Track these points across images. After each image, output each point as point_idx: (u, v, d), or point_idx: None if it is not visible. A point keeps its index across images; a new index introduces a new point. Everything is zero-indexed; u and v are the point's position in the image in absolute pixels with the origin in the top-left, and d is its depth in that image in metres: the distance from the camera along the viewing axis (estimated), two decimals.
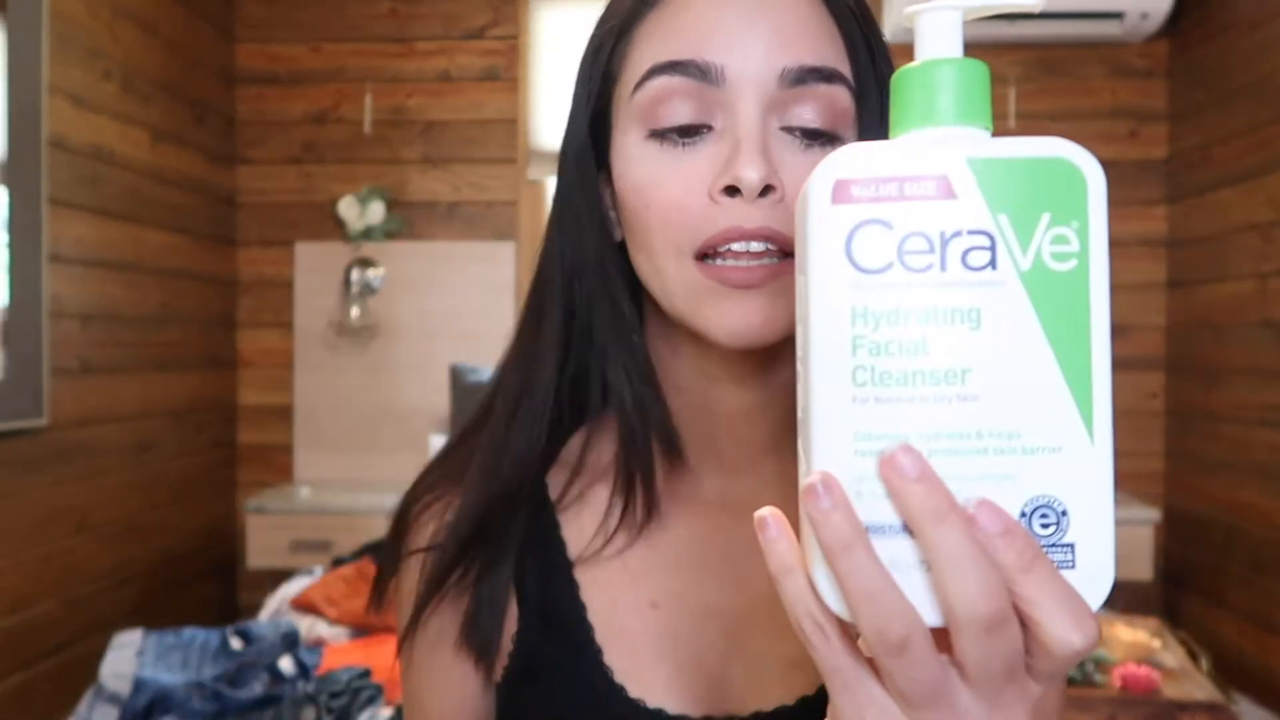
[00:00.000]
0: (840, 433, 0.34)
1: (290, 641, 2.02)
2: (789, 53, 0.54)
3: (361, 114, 3.24)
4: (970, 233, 0.34)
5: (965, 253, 0.34)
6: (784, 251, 0.54)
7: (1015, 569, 0.33)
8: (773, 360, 0.61)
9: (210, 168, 3.11)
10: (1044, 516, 0.34)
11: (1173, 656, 2.03)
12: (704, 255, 0.55)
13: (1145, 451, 3.11)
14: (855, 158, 0.35)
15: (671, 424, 0.63)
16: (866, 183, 0.34)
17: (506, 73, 3.25)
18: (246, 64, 3.28)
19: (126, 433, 2.63)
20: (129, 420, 2.65)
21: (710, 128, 0.55)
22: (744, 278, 0.54)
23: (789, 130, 0.55)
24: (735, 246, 0.54)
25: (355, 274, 3.19)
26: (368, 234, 3.21)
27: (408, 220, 3.25)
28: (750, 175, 0.52)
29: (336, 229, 3.25)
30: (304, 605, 2.37)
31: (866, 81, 0.57)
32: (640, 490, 0.63)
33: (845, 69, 0.56)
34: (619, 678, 0.61)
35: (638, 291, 0.63)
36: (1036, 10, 0.38)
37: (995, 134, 0.36)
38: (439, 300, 3.24)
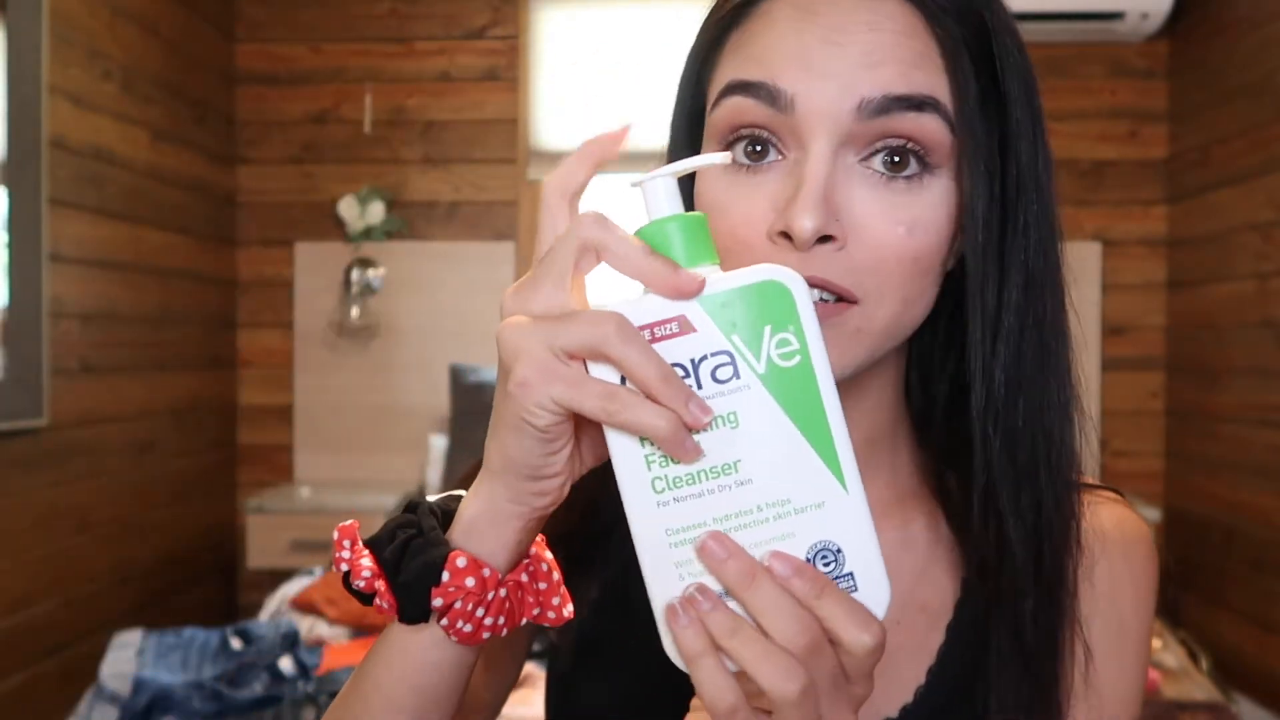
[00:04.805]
0: (653, 531, 0.43)
1: (290, 641, 2.02)
2: (873, 80, 0.50)
3: (361, 114, 3.24)
4: (713, 354, 0.42)
5: (714, 370, 0.43)
6: (840, 297, 0.51)
7: (810, 598, 0.42)
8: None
9: (210, 168, 3.11)
10: (824, 558, 0.43)
11: (1173, 656, 2.03)
12: None
13: (1145, 451, 3.11)
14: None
15: None
16: None
17: (506, 73, 3.25)
18: (246, 64, 3.28)
19: (126, 433, 2.63)
20: (129, 420, 2.65)
21: (783, 156, 0.52)
22: None
23: (869, 165, 0.51)
24: None
25: (355, 274, 3.19)
26: (368, 234, 3.21)
27: (408, 220, 3.25)
28: (803, 225, 0.49)
29: (336, 229, 3.25)
30: (304, 605, 2.37)
31: (970, 111, 0.51)
32: None
33: (944, 96, 0.51)
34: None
35: None
36: (725, 163, 0.46)
37: None
38: (439, 300, 3.24)
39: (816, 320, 0.43)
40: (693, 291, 0.42)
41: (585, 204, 0.48)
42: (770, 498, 0.43)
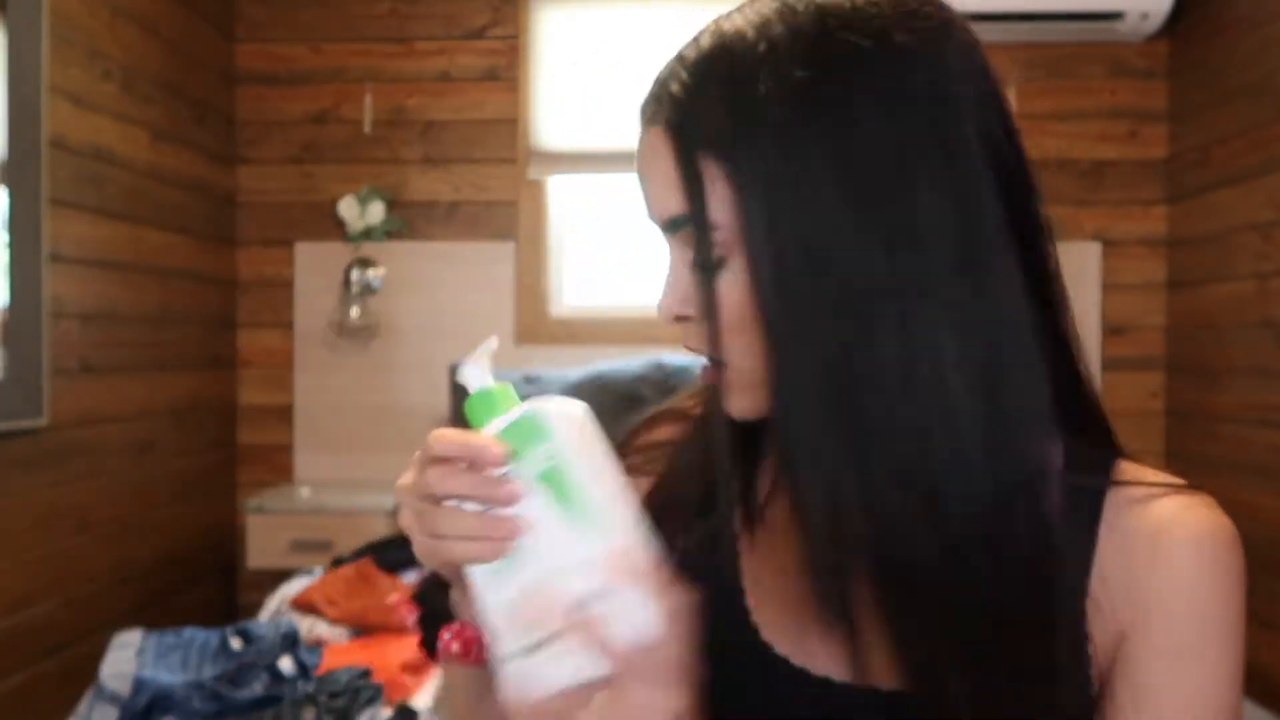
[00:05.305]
0: (496, 598, 0.58)
1: (290, 641, 2.02)
2: (654, 209, 0.64)
3: (361, 114, 3.24)
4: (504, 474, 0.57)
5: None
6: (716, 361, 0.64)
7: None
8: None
9: (210, 168, 3.11)
10: (598, 598, 0.56)
11: None
12: None
13: (1145, 451, 3.09)
14: None
15: None
16: None
17: (506, 73, 3.25)
18: (246, 64, 3.28)
19: (126, 433, 2.63)
20: (129, 420, 2.65)
21: None
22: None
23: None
24: None
25: (355, 274, 3.19)
26: (368, 234, 3.21)
27: (408, 220, 3.25)
28: (662, 313, 0.65)
29: (336, 229, 3.25)
30: (304, 605, 2.37)
31: (717, 208, 0.60)
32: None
33: (695, 207, 0.60)
34: (766, 635, 0.67)
35: None
36: (493, 349, 0.61)
37: None
38: (439, 300, 3.24)
39: (565, 427, 0.57)
40: (500, 458, 0.56)
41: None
42: (555, 564, 0.56)
